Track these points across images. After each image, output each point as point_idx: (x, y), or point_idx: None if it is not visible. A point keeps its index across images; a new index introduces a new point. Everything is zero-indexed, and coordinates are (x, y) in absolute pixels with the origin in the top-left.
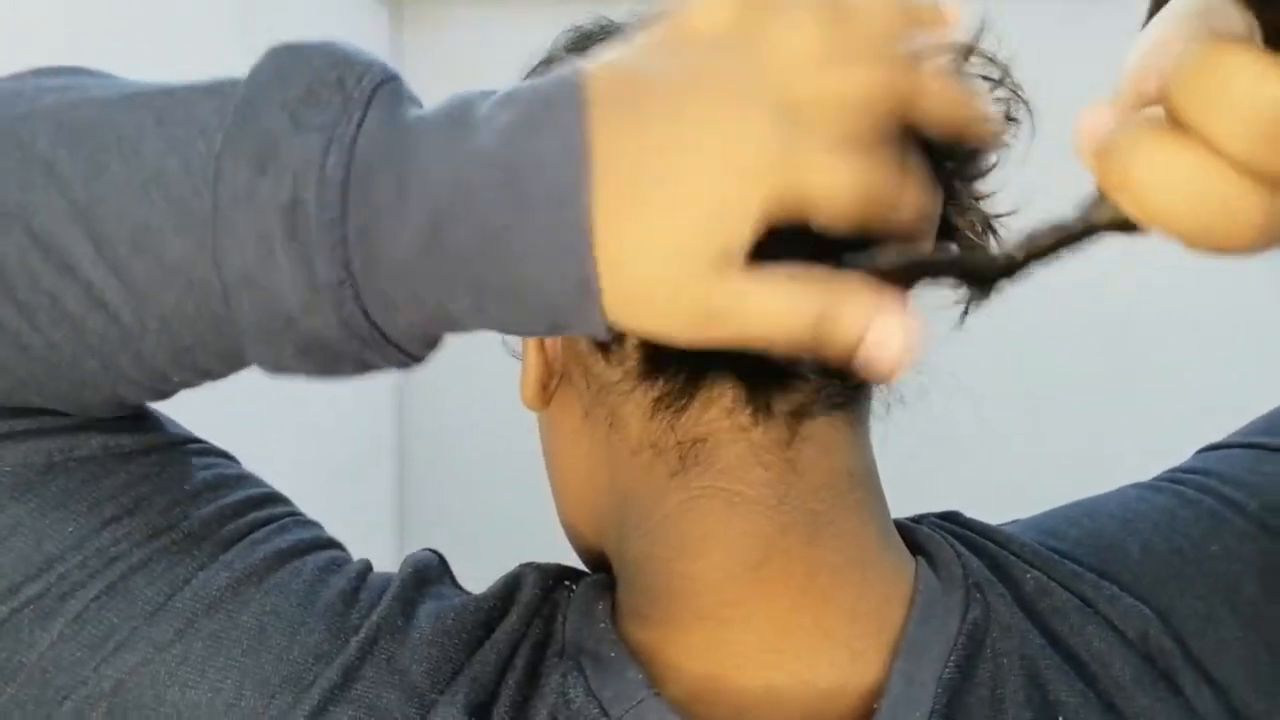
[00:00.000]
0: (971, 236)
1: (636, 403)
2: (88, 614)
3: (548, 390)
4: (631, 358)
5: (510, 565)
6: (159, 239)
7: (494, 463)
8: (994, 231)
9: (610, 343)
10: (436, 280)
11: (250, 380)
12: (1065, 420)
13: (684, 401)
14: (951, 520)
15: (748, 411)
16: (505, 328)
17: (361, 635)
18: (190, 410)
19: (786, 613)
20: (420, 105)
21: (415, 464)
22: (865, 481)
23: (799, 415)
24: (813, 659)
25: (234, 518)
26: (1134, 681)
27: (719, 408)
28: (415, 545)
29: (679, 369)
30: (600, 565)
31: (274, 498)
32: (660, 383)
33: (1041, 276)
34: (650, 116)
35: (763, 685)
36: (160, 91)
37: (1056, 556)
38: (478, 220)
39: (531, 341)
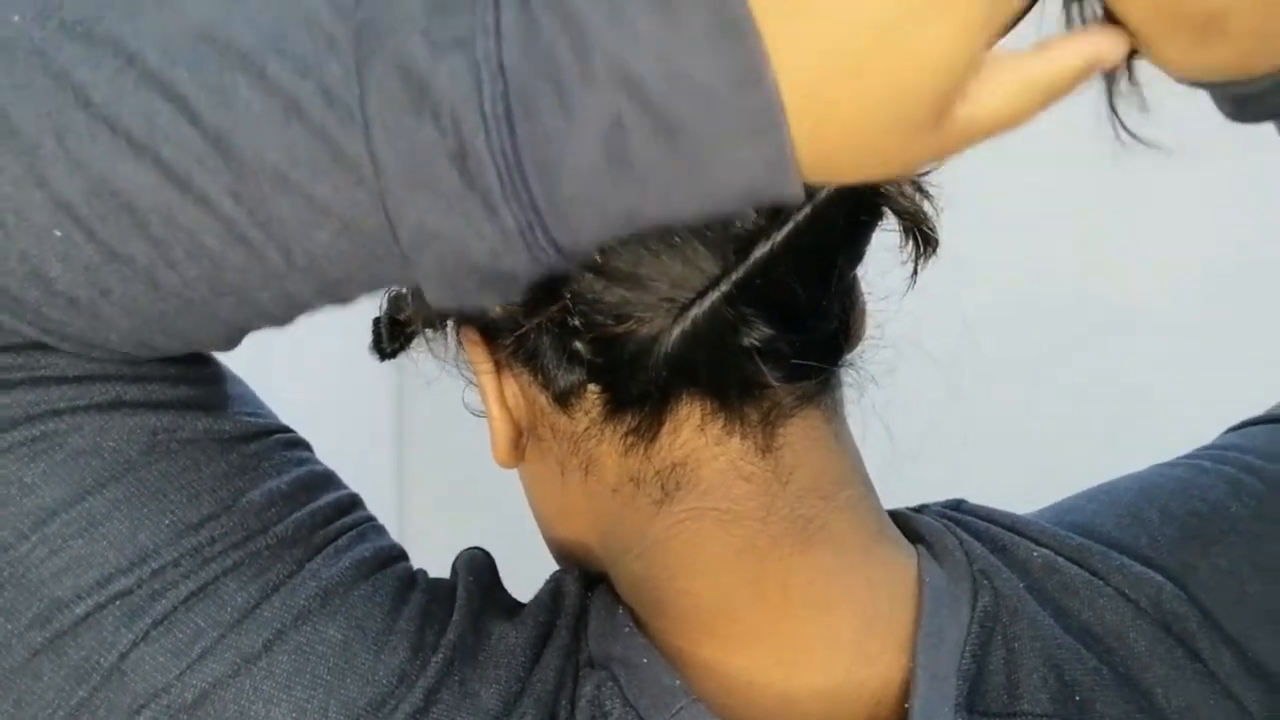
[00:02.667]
0: (901, 200)
1: (609, 443)
2: (175, 616)
3: (519, 447)
4: (595, 405)
5: (510, 564)
6: (307, 176)
7: (495, 468)
8: (925, 193)
9: (569, 397)
10: (623, 194)
11: (248, 378)
12: (1069, 419)
13: (654, 430)
14: (955, 508)
15: (719, 424)
16: (693, 216)
17: (440, 657)
18: None
19: (791, 624)
20: None
21: (415, 461)
22: (852, 480)
23: (772, 419)
24: (826, 667)
25: (324, 524)
26: (1149, 651)
27: (690, 427)
28: (416, 540)
29: (643, 399)
30: (601, 577)
31: (354, 501)
32: (628, 418)
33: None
34: None
35: (779, 695)
36: None
37: (1063, 532)
38: (653, 121)
39: (494, 404)
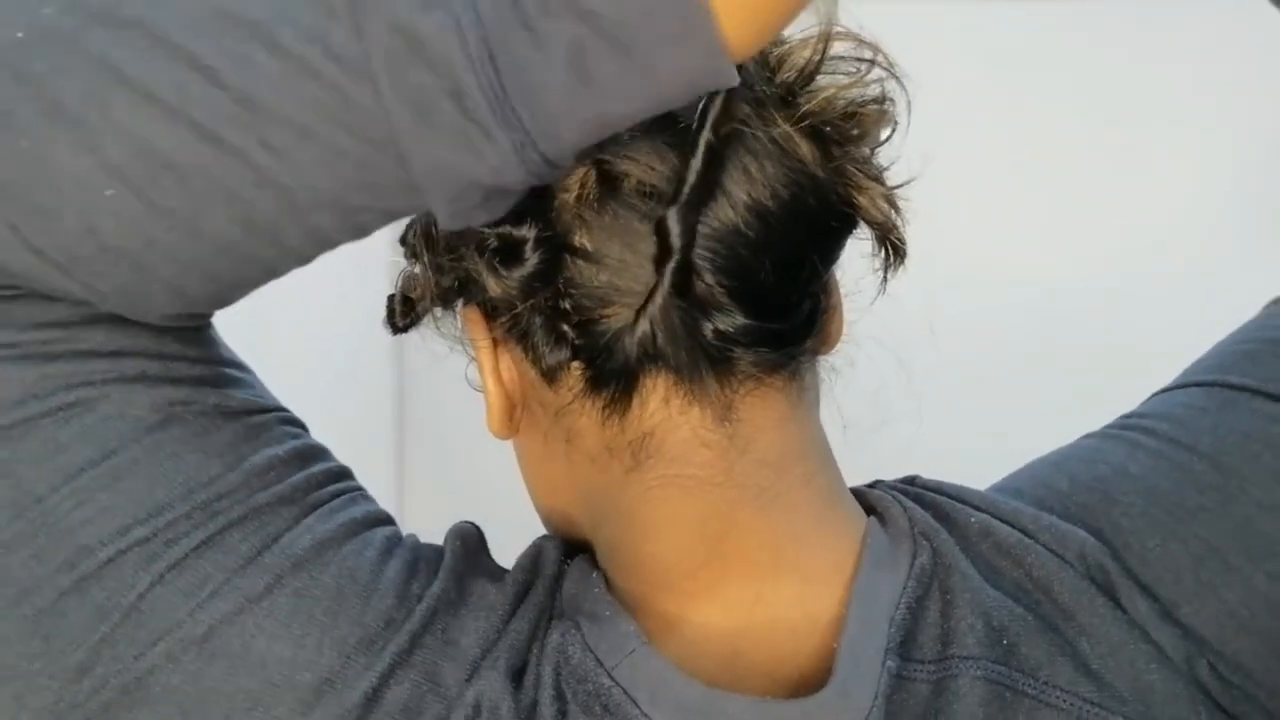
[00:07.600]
0: (874, 212)
1: (589, 415)
2: (187, 562)
3: (514, 419)
4: (577, 381)
5: (508, 547)
6: (324, 127)
7: (492, 456)
8: (895, 206)
9: (555, 371)
10: (592, 104)
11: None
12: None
13: (626, 403)
14: (910, 483)
15: (681, 395)
16: (650, 112)
17: (424, 606)
18: None
19: (742, 583)
20: None
21: (415, 457)
22: (809, 456)
23: (728, 391)
24: (771, 624)
25: (317, 487)
26: (1074, 601)
27: (656, 399)
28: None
29: (616, 376)
30: (583, 547)
31: (346, 472)
32: (604, 393)
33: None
34: None
35: (729, 645)
36: None
37: (1001, 499)
38: (607, 41)
39: (489, 377)
